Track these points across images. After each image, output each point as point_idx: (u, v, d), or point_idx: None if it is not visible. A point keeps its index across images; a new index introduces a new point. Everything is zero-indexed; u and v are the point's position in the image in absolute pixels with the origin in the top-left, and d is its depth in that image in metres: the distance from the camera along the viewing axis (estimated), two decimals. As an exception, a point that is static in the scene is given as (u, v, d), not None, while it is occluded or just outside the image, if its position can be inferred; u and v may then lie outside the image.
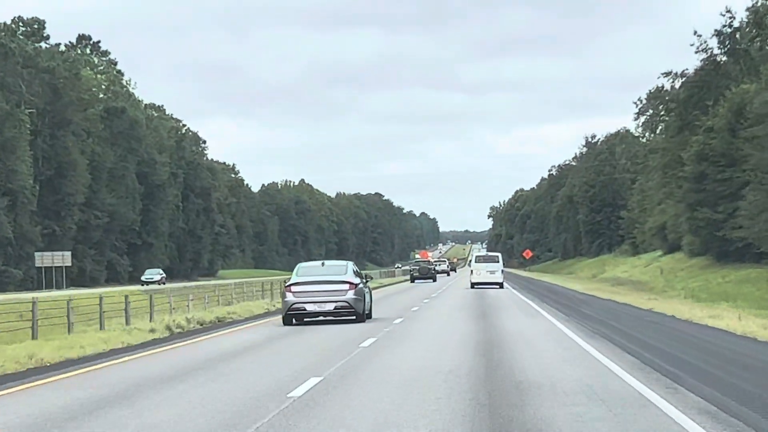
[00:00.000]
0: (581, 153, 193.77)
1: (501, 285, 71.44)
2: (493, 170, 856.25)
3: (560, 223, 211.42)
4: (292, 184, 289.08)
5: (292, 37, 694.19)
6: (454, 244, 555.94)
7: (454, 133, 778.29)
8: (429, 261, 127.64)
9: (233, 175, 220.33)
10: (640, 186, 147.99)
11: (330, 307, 33.58)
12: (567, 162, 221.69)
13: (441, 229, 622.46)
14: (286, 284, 34.67)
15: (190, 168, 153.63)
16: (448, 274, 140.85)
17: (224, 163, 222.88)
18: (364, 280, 36.24)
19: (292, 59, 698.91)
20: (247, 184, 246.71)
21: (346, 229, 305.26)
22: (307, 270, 36.03)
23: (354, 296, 33.70)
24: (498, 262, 73.79)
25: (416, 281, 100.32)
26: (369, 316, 35.52)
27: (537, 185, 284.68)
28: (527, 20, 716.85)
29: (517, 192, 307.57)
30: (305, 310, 33.67)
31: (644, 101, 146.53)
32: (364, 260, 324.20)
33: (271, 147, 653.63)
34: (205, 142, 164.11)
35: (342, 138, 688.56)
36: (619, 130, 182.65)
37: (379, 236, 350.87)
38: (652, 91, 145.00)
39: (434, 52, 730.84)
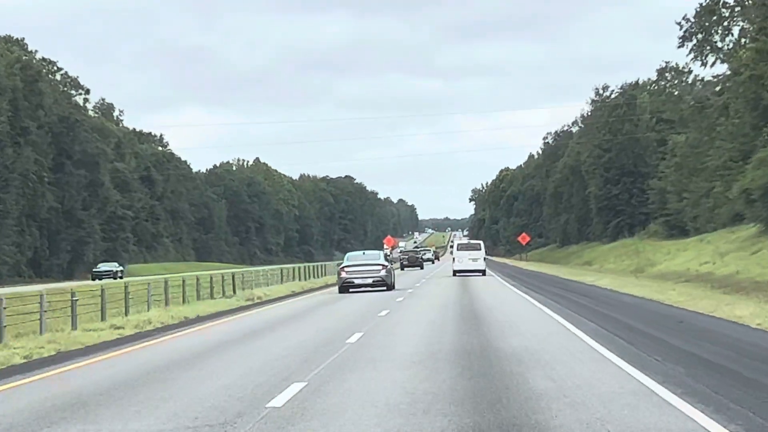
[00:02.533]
0: (588, 112, 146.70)
1: (483, 272, 67.77)
2: (471, 156, 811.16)
3: (559, 201, 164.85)
4: (246, 163, 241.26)
5: (262, 23, 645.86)
6: (433, 231, 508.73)
7: (431, 119, 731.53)
8: (416, 250, 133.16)
9: (160, 148, 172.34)
10: (687, 141, 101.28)
11: (369, 281, 47.26)
12: (567, 128, 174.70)
13: (420, 217, 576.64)
14: (340, 266, 49.40)
15: (64, 126, 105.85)
16: (433, 262, 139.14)
17: (150, 133, 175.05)
18: (391, 264, 53.59)
19: (263, 45, 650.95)
20: (186, 161, 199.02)
21: (309, 215, 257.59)
22: (353, 257, 50.79)
23: (385, 273, 47.76)
24: (480, 249, 70.22)
25: (405, 269, 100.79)
26: (394, 286, 48.89)
27: (524, 163, 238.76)
28: (502, 3, 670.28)
29: (502, 171, 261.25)
30: (353, 283, 47.38)
31: (691, 20, 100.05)
32: (332, 249, 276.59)
33: (243, 135, 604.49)
34: (88, 91, 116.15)
35: (316, 125, 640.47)
36: (638, 79, 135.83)
37: (350, 223, 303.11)
38: (704, 4, 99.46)
39: (408, 36, 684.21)
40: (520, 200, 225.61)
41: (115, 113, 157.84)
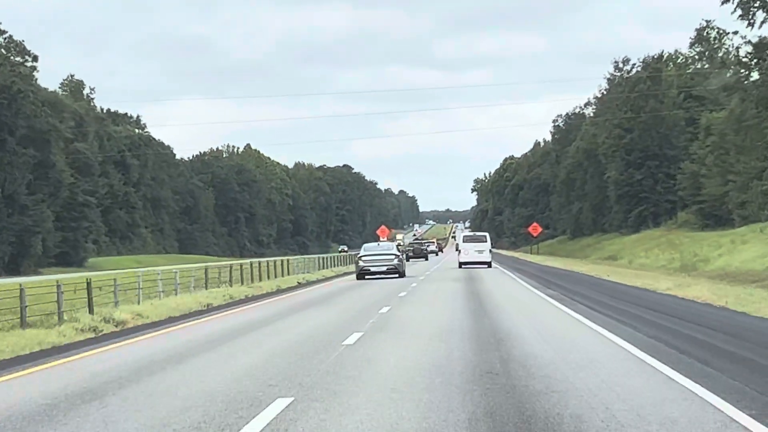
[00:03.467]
0: (605, 90, 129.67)
1: (489, 264, 67.38)
2: (472, 148, 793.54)
3: (571, 189, 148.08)
4: (236, 150, 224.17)
5: (260, 13, 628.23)
6: (434, 223, 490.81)
7: (432, 111, 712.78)
8: (421, 242, 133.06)
9: (137, 130, 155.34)
10: (731, 115, 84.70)
11: (384, 268, 51.78)
12: (579, 109, 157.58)
13: (421, 209, 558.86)
14: (358, 256, 54.18)
15: (4, 97, 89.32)
16: (437, 254, 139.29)
17: (126, 114, 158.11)
18: (402, 254, 56.79)
19: (263, 37, 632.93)
20: (169, 146, 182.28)
21: (303, 205, 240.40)
22: (369, 248, 55.55)
23: (398, 262, 52.55)
24: (486, 242, 69.78)
25: (411, 260, 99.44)
26: (404, 274, 52.95)
27: (530, 151, 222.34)
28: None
29: (506, 160, 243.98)
30: (370, 270, 52.06)
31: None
32: (329, 240, 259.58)
33: (240, 126, 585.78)
34: (36, 58, 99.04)
35: (317, 117, 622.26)
36: (662, 51, 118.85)
37: (348, 214, 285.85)
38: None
39: (408, 27, 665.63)
40: (526, 189, 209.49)
41: (86, 91, 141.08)
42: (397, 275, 51.03)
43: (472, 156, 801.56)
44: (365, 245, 57.20)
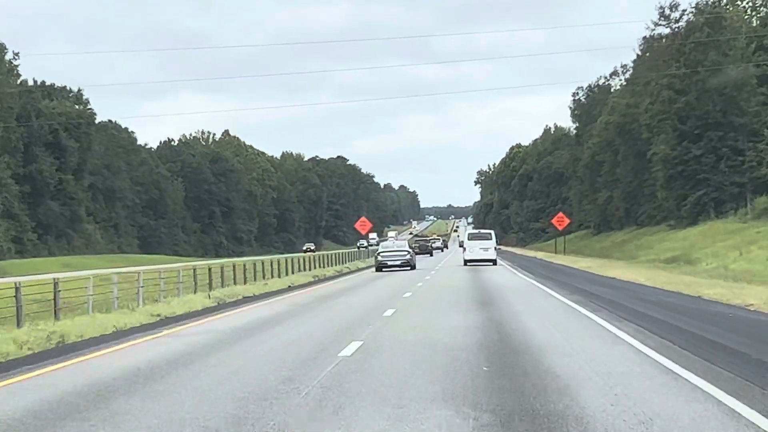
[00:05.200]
0: (641, 49, 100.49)
1: (494, 262, 65.94)
2: (473, 143, 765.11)
3: (597, 174, 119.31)
4: (212, 137, 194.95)
5: (257, 7, 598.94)
6: (435, 219, 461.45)
7: (432, 105, 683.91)
8: (426, 239, 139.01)
9: (77, 107, 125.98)
10: None
11: (398, 262, 59.66)
12: (605, 81, 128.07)
13: (422, 204, 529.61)
14: (377, 252, 63.40)
15: None
16: (442, 250, 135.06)
17: (65, 87, 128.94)
18: (413, 250, 66.83)
19: (259, 30, 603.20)
20: (129, 129, 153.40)
21: (289, 198, 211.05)
22: (385, 245, 66.00)
23: (410, 257, 61.01)
24: (491, 239, 68.15)
25: (416, 256, 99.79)
26: (415, 267, 60.51)
27: (540, 138, 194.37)
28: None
29: (512, 148, 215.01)
30: (387, 264, 59.89)
31: None
32: (319, 237, 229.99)
33: (238, 122, 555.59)
34: None
35: (315, 112, 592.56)
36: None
37: (342, 208, 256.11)
38: None
39: (407, 21, 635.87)
40: (536, 180, 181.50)
41: (8, 56, 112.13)
42: (409, 268, 59.01)
43: (473, 151, 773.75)
44: (383, 243, 70.81)
